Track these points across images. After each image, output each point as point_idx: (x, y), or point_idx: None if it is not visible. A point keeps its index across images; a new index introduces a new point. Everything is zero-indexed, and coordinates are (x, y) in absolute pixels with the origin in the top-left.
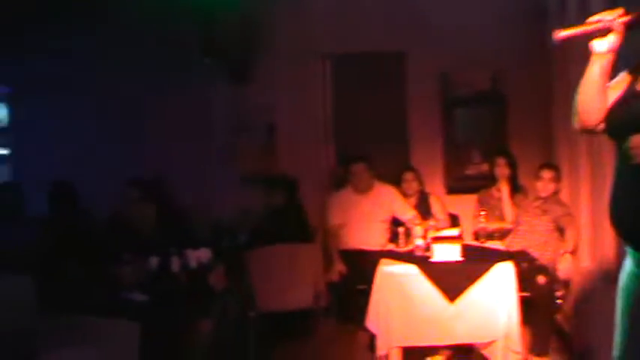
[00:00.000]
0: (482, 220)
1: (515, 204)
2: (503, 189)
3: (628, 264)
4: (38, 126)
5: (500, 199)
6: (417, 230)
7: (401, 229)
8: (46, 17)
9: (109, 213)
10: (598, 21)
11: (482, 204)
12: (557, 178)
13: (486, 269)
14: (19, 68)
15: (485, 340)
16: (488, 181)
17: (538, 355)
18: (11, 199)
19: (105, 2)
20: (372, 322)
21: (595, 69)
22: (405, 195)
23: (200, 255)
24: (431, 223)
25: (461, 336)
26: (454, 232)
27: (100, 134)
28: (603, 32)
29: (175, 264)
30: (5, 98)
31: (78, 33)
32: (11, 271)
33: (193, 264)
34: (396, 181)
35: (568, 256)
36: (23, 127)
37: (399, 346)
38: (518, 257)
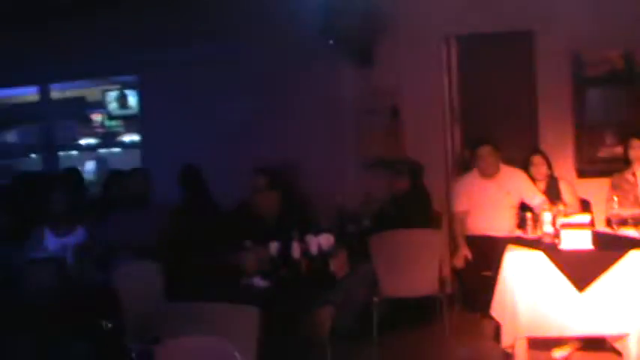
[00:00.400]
0: (616, 205)
1: None
2: (639, 172)
3: None
4: (165, 113)
5: (634, 184)
6: (546, 216)
7: (529, 215)
8: (170, 4)
9: (237, 201)
10: None
11: (615, 188)
12: None
13: (619, 257)
14: (147, 56)
15: (617, 333)
16: (622, 164)
17: None
18: (140, 186)
19: None
20: (497, 310)
21: None
22: (534, 179)
23: (321, 241)
24: (560, 208)
25: (590, 328)
26: (585, 218)
27: (226, 121)
28: None
29: (296, 250)
30: (135, 86)
31: (203, 20)
32: (140, 257)
33: (314, 250)
34: (524, 165)
35: None
36: (151, 115)
37: (526, 337)
38: None
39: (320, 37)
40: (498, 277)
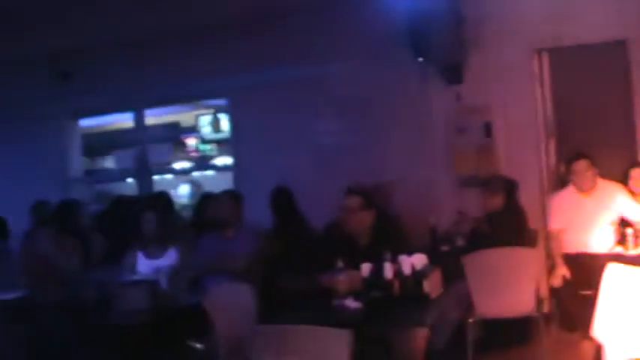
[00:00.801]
0: None
1: None
2: None
3: None
4: (257, 136)
5: None
6: None
7: (629, 231)
8: (259, 27)
9: (329, 222)
10: None
11: None
12: None
13: None
14: (238, 79)
15: None
16: None
17: None
18: (232, 209)
19: (319, 8)
20: (598, 330)
21: None
22: (633, 193)
23: (414, 261)
24: None
25: None
26: None
27: (317, 141)
28: None
29: (389, 271)
30: (226, 110)
31: (293, 41)
32: (232, 280)
33: (407, 270)
34: (623, 179)
35: None
36: (243, 138)
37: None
38: None
39: (410, 56)
40: (598, 295)
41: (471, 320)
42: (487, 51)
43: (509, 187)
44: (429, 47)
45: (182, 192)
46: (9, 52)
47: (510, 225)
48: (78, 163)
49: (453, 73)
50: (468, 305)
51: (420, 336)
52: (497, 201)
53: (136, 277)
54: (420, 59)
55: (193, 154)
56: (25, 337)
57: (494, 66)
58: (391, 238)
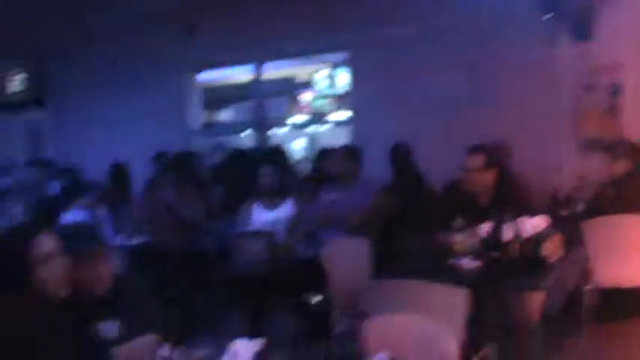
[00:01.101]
0: None
1: None
2: None
3: None
4: (377, 91)
5: None
6: None
7: None
8: None
9: (449, 179)
10: None
11: None
12: None
13: None
14: (360, 34)
15: None
16: None
17: None
18: (349, 163)
19: None
20: None
21: None
22: None
23: (535, 223)
24: None
25: None
26: None
27: (438, 98)
28: None
29: (508, 232)
30: (344, 64)
31: None
32: (349, 233)
33: (527, 233)
34: None
35: None
36: (363, 92)
37: None
38: None
39: (537, 11)
40: None
41: (587, 288)
42: (619, 6)
43: (635, 152)
44: (557, 2)
45: (297, 146)
46: (137, 6)
47: (635, 191)
48: (197, 115)
49: (582, 30)
50: (585, 272)
51: (536, 300)
52: (621, 167)
53: (253, 229)
54: (548, 15)
55: (308, 109)
56: (149, 283)
57: (627, 22)
58: (512, 198)
